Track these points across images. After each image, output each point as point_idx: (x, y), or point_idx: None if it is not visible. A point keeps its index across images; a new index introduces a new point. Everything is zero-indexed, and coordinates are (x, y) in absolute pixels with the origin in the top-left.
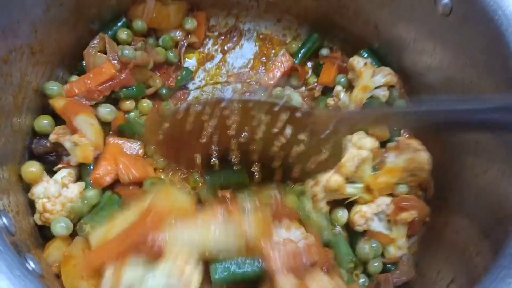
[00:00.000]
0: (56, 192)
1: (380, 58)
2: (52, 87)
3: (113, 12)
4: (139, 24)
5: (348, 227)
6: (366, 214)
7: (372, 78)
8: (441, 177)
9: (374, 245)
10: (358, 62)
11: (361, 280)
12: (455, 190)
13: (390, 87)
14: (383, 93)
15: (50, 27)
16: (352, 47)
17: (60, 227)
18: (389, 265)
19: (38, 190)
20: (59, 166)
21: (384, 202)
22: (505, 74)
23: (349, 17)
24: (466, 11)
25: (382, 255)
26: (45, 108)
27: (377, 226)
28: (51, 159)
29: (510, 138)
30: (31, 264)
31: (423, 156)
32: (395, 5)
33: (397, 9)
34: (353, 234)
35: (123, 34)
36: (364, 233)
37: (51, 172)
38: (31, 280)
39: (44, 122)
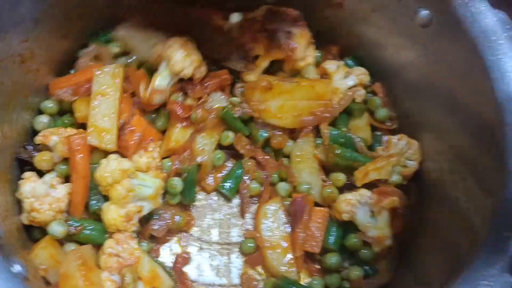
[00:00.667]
0: (44, 192)
1: (365, 67)
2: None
3: (102, 23)
4: None
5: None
6: (351, 201)
7: (343, 80)
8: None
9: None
10: (331, 66)
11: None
12: (434, 198)
13: (373, 93)
14: (358, 93)
15: (41, 37)
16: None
17: (57, 228)
18: (367, 267)
19: (26, 190)
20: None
21: (365, 193)
22: (480, 86)
23: (332, 28)
24: (444, 23)
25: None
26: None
27: (362, 216)
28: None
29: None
30: (17, 267)
31: (415, 144)
32: (376, 17)
33: (378, 21)
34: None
35: (114, 47)
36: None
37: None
38: (17, 282)
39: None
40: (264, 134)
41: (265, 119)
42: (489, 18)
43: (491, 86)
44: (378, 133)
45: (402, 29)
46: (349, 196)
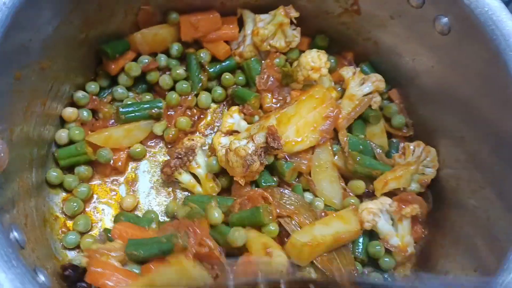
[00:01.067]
0: None
1: (381, 73)
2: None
3: (119, 30)
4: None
5: None
6: (373, 209)
7: (360, 87)
8: (438, 193)
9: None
10: (347, 72)
11: None
12: (453, 204)
13: (389, 100)
14: (374, 100)
15: (59, 44)
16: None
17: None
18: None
19: None
20: None
21: (386, 201)
22: (501, 94)
23: (349, 34)
24: (464, 31)
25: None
26: (51, 119)
27: (384, 224)
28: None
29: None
30: (41, 278)
31: (433, 152)
32: (393, 24)
33: (395, 28)
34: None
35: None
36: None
37: None
38: None
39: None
40: (289, 165)
41: (291, 151)
42: (510, 26)
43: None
44: (394, 140)
45: (420, 36)
46: (370, 204)
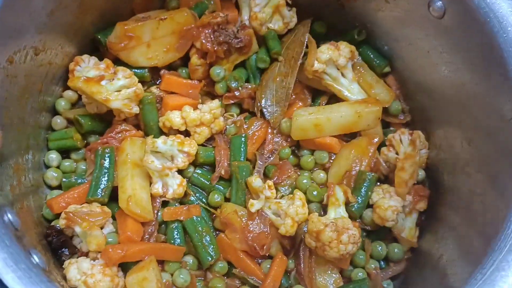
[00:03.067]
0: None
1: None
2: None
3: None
4: None
5: None
6: (397, 208)
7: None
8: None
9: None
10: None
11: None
12: (449, 188)
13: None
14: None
15: (54, 30)
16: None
17: None
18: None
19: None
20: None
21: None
22: (497, 77)
23: (346, 20)
24: (459, 14)
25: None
26: (49, 108)
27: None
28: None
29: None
30: (35, 259)
31: (419, 134)
32: (389, 8)
33: (391, 13)
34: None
35: None
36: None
37: None
38: (36, 273)
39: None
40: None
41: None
42: (504, 9)
43: (508, 77)
44: (391, 128)
45: (415, 20)
46: (392, 202)
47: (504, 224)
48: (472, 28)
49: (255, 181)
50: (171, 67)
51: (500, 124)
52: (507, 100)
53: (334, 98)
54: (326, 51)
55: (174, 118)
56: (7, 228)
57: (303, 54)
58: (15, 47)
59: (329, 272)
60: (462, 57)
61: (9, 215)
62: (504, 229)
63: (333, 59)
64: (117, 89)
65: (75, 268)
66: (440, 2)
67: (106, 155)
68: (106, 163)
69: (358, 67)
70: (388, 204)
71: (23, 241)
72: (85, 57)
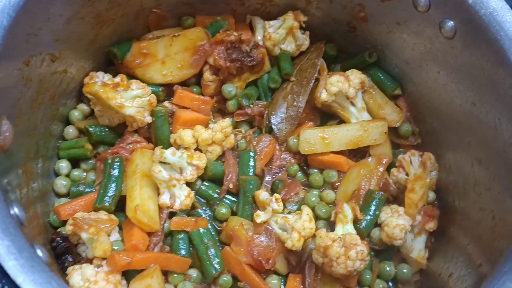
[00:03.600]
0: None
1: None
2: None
3: (130, 32)
4: None
5: None
6: (406, 226)
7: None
8: (446, 197)
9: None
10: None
11: None
12: (459, 208)
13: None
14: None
15: (71, 39)
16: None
17: None
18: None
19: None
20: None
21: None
22: (508, 98)
23: (356, 42)
24: (469, 33)
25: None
26: (61, 118)
27: (408, 239)
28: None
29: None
30: (39, 252)
31: (429, 155)
32: (400, 30)
33: (401, 35)
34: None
35: None
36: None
37: None
38: (39, 263)
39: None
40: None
41: None
42: None
43: None
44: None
45: (425, 42)
46: (401, 221)
47: None
48: (482, 47)
49: (262, 194)
50: (185, 84)
51: (509, 140)
52: None
53: (343, 122)
54: (335, 83)
55: (186, 136)
56: (13, 219)
57: (315, 76)
58: (32, 51)
59: None
60: (472, 77)
61: (16, 209)
62: None
63: (342, 91)
64: (131, 98)
65: (78, 274)
66: (452, 22)
67: (115, 164)
68: (115, 172)
69: (369, 89)
70: (397, 222)
71: (28, 235)
72: (100, 73)
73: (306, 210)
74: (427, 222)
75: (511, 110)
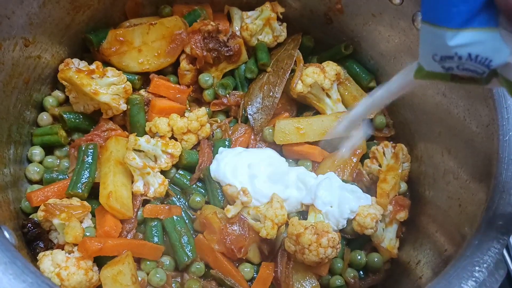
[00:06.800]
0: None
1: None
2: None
3: (107, 18)
4: None
5: None
6: (377, 216)
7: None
8: (417, 187)
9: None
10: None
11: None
12: (429, 198)
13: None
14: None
15: (45, 23)
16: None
17: None
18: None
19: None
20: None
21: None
22: (475, 89)
23: (333, 33)
24: None
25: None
26: (35, 105)
27: (379, 228)
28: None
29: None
30: (6, 234)
31: (402, 147)
32: (375, 22)
33: (377, 27)
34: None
35: None
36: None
37: None
38: (3, 242)
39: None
40: None
41: None
42: None
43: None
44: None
45: (399, 34)
46: (372, 210)
47: (476, 222)
48: None
49: (230, 187)
50: (161, 73)
51: (477, 130)
52: (484, 107)
53: (318, 114)
54: (311, 74)
55: (161, 125)
56: None
57: (291, 67)
58: (5, 33)
59: (307, 278)
60: None
61: None
62: (477, 228)
63: (318, 82)
64: (106, 85)
65: (49, 260)
66: None
67: (89, 151)
68: (89, 159)
69: (344, 81)
70: (368, 211)
71: None
72: (75, 60)
73: (276, 197)
74: (398, 211)
75: (478, 101)
